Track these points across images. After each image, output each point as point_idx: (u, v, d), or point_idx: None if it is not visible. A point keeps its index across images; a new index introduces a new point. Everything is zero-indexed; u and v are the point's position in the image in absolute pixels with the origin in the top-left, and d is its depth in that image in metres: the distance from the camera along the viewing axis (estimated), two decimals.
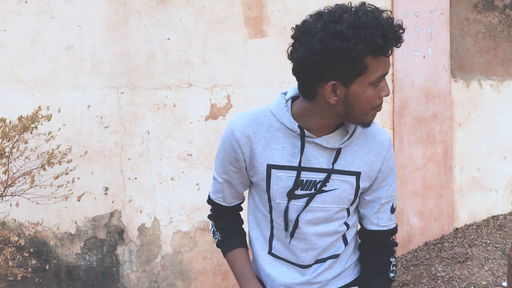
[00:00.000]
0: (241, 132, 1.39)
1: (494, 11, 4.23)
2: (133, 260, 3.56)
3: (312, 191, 1.38)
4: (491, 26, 4.25)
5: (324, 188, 1.38)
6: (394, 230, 1.52)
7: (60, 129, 3.21)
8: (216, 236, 1.57)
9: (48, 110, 2.91)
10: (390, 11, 1.33)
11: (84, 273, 3.49)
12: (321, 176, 1.38)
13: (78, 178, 3.26)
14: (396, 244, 1.55)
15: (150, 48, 3.50)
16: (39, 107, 2.76)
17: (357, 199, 1.45)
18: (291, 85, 3.70)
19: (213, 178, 1.54)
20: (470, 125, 4.25)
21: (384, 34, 1.20)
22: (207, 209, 1.67)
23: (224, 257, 1.56)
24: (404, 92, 3.99)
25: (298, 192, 1.38)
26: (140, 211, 3.55)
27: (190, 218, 3.60)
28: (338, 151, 1.38)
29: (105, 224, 3.50)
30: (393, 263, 1.51)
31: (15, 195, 2.69)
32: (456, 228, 4.20)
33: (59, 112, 3.09)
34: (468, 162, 4.26)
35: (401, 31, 1.24)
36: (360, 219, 1.52)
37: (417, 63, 3.99)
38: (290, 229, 1.43)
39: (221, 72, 3.61)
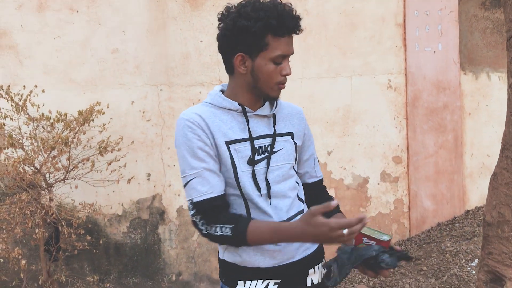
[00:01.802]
0: (197, 117, 1.52)
1: (501, 7, 4.54)
2: (172, 238, 3.99)
3: (266, 154, 1.58)
4: (499, 22, 4.56)
5: (274, 150, 1.59)
6: (323, 178, 1.85)
7: (109, 122, 3.67)
8: (226, 230, 1.47)
9: (99, 106, 3.37)
10: (291, 4, 1.51)
11: (129, 249, 3.95)
12: (268, 141, 1.59)
13: (125, 165, 3.73)
14: (325, 187, 1.86)
15: (185, 49, 3.92)
16: (97, 102, 3.21)
17: (297, 158, 1.71)
18: (312, 80, 4.11)
19: (190, 179, 1.50)
20: (479, 115, 4.57)
21: (279, 17, 1.45)
22: None
23: (245, 238, 1.46)
24: (416, 85, 4.33)
25: (257, 157, 1.56)
26: (179, 195, 3.98)
27: None
28: (274, 118, 1.63)
29: (148, 206, 3.95)
30: (331, 196, 1.82)
31: (75, 179, 3.14)
32: (467, 210, 4.52)
33: (107, 107, 3.56)
34: (478, 149, 4.58)
35: (298, 20, 1.49)
36: (301, 177, 1.77)
37: (428, 58, 4.33)
38: (265, 191, 1.56)
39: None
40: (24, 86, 3.36)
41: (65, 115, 3.04)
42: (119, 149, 3.28)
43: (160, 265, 4.00)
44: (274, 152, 1.59)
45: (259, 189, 1.55)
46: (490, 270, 1.66)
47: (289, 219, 1.59)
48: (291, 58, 1.58)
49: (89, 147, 3.41)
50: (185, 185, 1.51)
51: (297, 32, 1.50)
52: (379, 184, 4.32)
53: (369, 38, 4.21)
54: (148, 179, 3.93)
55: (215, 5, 3.93)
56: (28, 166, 2.99)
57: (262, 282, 1.57)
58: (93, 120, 3.12)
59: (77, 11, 3.77)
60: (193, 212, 1.50)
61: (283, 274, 1.58)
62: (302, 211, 1.66)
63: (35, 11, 3.73)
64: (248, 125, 1.56)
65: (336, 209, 1.72)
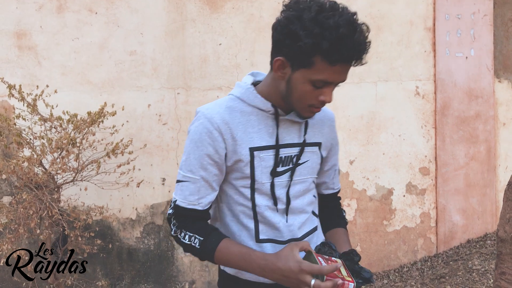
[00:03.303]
0: (220, 119, 1.35)
1: None
2: None
3: (290, 165, 1.42)
4: None
5: (299, 161, 1.43)
6: (339, 189, 1.70)
7: (123, 124, 3.62)
8: (194, 240, 1.36)
9: (113, 107, 3.32)
10: (366, 31, 1.26)
11: (142, 255, 3.88)
12: (295, 151, 1.43)
13: (139, 169, 3.67)
14: (340, 199, 1.72)
15: (204, 52, 3.85)
16: (105, 103, 3.17)
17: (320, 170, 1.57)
18: None
19: (183, 180, 1.39)
20: None
21: (335, 41, 1.20)
22: None
23: (213, 254, 1.34)
24: (446, 92, 4.10)
25: (280, 169, 1.41)
26: None
27: None
28: (306, 125, 1.45)
29: (162, 211, 3.87)
30: (343, 210, 1.69)
31: (84, 180, 3.09)
32: None
33: (123, 110, 3.51)
34: None
35: (361, 51, 1.24)
36: (317, 187, 1.62)
37: (459, 64, 4.10)
38: (284, 206, 1.43)
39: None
40: (37, 86, 3.35)
41: (75, 115, 3.00)
42: (130, 152, 3.22)
43: (173, 273, 3.90)
44: (299, 164, 1.44)
45: (275, 204, 1.42)
46: None
47: (302, 237, 1.47)
48: None
49: (103, 149, 3.36)
50: (177, 181, 1.41)
51: (355, 64, 1.28)
52: (404, 196, 4.10)
53: (396, 42, 4.02)
54: (163, 184, 3.85)
55: (235, 7, 3.84)
56: (37, 167, 2.96)
57: None
58: (102, 121, 3.07)
59: (96, 13, 3.75)
60: (171, 211, 1.41)
61: None
62: (315, 228, 1.54)
63: (54, 12, 3.73)
64: (277, 130, 1.40)
65: (340, 224, 1.61)
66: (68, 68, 3.76)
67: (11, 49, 3.73)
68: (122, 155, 3.23)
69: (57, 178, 3.11)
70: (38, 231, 2.80)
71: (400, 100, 4.04)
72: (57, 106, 3.25)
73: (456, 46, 4.09)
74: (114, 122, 3.43)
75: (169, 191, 3.86)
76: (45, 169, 2.96)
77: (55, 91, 3.32)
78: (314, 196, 1.54)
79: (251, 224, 1.42)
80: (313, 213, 1.54)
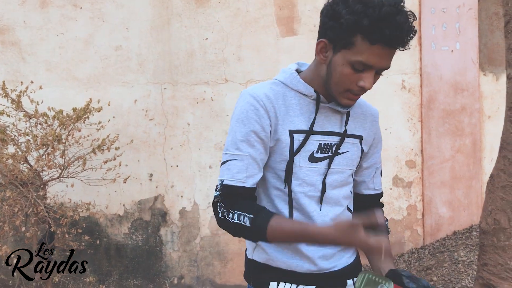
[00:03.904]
0: (265, 97, 1.37)
1: None
2: (174, 240, 3.89)
3: (330, 153, 1.41)
4: None
5: (339, 151, 1.42)
6: (382, 194, 1.66)
7: (109, 120, 3.60)
8: (244, 218, 1.33)
9: (99, 103, 3.30)
10: (414, 16, 1.26)
11: (131, 251, 3.87)
12: (335, 139, 1.41)
13: (126, 165, 3.65)
14: (383, 205, 1.68)
15: (190, 47, 3.83)
16: (90, 99, 3.15)
17: (358, 164, 1.53)
18: None
19: (230, 159, 1.37)
20: (500, 118, 4.32)
21: (377, 20, 1.19)
22: None
23: (265, 231, 1.31)
24: (432, 86, 4.13)
25: (318, 155, 1.40)
26: (181, 196, 3.88)
27: None
28: (347, 115, 1.44)
29: (149, 207, 3.86)
30: (385, 218, 1.63)
31: (70, 177, 3.07)
32: None
33: (109, 105, 3.49)
34: None
35: (404, 32, 1.22)
36: (356, 186, 1.58)
37: (445, 57, 4.12)
38: (319, 193, 1.41)
39: (255, 68, 3.89)
40: (22, 82, 3.32)
41: (61, 112, 2.97)
42: (117, 148, 3.20)
43: (162, 268, 3.90)
44: (339, 154, 1.42)
45: (311, 190, 1.40)
46: (485, 283, 1.49)
47: None
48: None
49: (89, 145, 3.34)
50: (222, 163, 1.38)
51: (398, 47, 1.25)
52: (391, 189, 4.13)
53: None
54: (150, 180, 3.84)
55: (221, 1, 3.82)
56: (22, 163, 2.93)
57: (297, 287, 1.43)
58: (88, 117, 3.04)
59: (81, 8, 3.72)
60: (217, 193, 1.37)
61: (320, 282, 1.43)
62: None
63: (38, 7, 3.69)
64: (315, 116, 1.38)
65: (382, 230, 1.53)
66: (53, 63, 3.72)
67: None
68: (109, 151, 3.21)
69: (43, 175, 3.08)
70: (23, 229, 2.77)
71: (387, 94, 4.06)
72: (42, 102, 3.22)
73: (442, 39, 4.12)
74: (100, 118, 3.41)
75: (156, 187, 3.85)
76: (31, 166, 2.93)
77: (40, 87, 3.29)
78: (351, 191, 1.52)
79: (285, 210, 1.40)
80: (348, 208, 1.51)
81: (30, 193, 2.77)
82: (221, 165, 1.39)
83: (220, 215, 1.35)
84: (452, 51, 4.14)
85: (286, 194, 1.40)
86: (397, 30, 1.20)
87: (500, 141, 1.46)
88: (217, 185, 1.38)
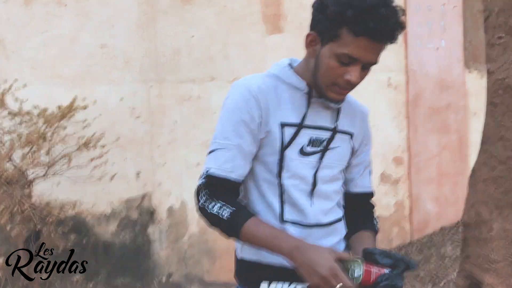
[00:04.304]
0: (257, 88, 1.35)
1: None
2: (162, 239, 3.88)
3: (321, 148, 1.41)
4: None
5: (330, 146, 1.41)
6: (373, 194, 1.62)
7: (95, 118, 3.57)
8: (224, 211, 1.30)
9: (84, 101, 3.28)
10: (403, 11, 1.25)
11: (118, 250, 3.85)
12: (327, 134, 1.41)
13: (113, 163, 3.63)
14: (374, 206, 1.64)
15: (176, 45, 3.82)
16: (75, 96, 3.12)
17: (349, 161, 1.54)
18: None
19: (218, 148, 1.35)
20: None
21: (362, 12, 1.19)
22: None
23: (241, 229, 1.29)
24: (418, 83, 4.15)
25: (309, 149, 1.39)
26: (169, 194, 3.87)
27: None
28: (338, 112, 1.43)
29: (137, 205, 3.85)
30: (375, 218, 1.61)
31: (56, 175, 3.05)
32: None
33: (94, 103, 3.46)
34: None
35: (391, 25, 1.21)
36: (345, 184, 1.55)
37: (430, 55, 4.15)
38: (310, 187, 1.40)
39: (241, 66, 3.89)
40: (6, 81, 3.29)
41: (45, 110, 2.95)
42: (103, 146, 3.18)
43: (150, 266, 3.88)
44: (330, 149, 1.41)
45: (302, 184, 1.38)
46: (468, 275, 1.51)
47: (327, 224, 1.43)
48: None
49: (75, 143, 3.32)
50: (210, 152, 1.35)
51: (385, 41, 1.23)
52: (378, 186, 4.15)
53: None
54: (138, 178, 3.83)
55: None
56: (7, 162, 2.90)
57: (289, 285, 1.37)
58: (73, 115, 3.02)
59: (65, 5, 3.69)
60: (202, 181, 1.33)
61: None
62: (340, 220, 1.49)
63: (22, 4, 3.66)
64: (307, 110, 1.37)
65: (369, 227, 1.53)
66: (38, 61, 3.69)
67: None
68: (95, 148, 3.19)
69: (28, 173, 3.06)
70: (8, 228, 2.75)
71: (373, 92, 4.07)
72: (27, 100, 3.19)
73: (427, 37, 4.14)
74: (86, 116, 3.39)
75: (144, 185, 3.84)
76: (15, 164, 2.91)
77: (24, 85, 3.26)
78: (342, 188, 1.51)
79: (276, 203, 1.38)
80: (338, 203, 1.50)
81: (15, 192, 2.75)
82: (208, 154, 1.36)
83: (200, 204, 1.33)
84: (437, 48, 4.17)
85: (277, 187, 1.38)
86: (381, 23, 1.18)
87: (482, 135, 1.48)
88: (202, 173, 1.34)
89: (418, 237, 4.19)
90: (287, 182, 1.37)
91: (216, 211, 1.30)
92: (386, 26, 1.20)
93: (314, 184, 1.40)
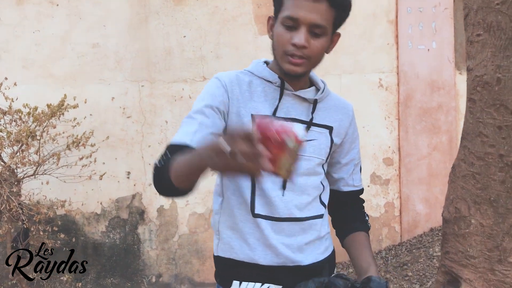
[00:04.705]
0: (228, 80, 1.39)
1: None
2: (152, 239, 3.88)
3: None
4: None
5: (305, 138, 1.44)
6: (363, 190, 1.63)
7: (86, 117, 3.58)
8: (162, 159, 1.23)
9: (75, 100, 3.28)
10: None
11: (108, 249, 3.85)
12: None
13: (103, 163, 3.63)
14: (363, 201, 1.65)
15: (168, 45, 3.83)
16: (65, 95, 3.13)
17: (328, 158, 1.52)
18: None
19: (181, 126, 1.34)
20: None
21: None
22: None
23: (170, 167, 1.18)
24: (409, 84, 4.17)
25: None
26: (159, 194, 3.86)
27: (205, 201, 3.90)
28: (315, 104, 1.44)
29: (127, 205, 3.85)
30: (366, 214, 1.62)
31: (45, 174, 3.05)
32: None
33: (85, 103, 3.46)
34: None
35: None
36: (335, 183, 1.57)
37: (421, 56, 4.18)
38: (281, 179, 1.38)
39: (233, 66, 3.89)
40: None
41: (35, 108, 2.95)
42: (93, 145, 3.19)
43: (140, 266, 3.88)
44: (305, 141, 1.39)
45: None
46: (447, 271, 1.52)
47: (303, 219, 1.41)
48: None
49: (65, 142, 3.32)
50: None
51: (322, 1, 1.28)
52: (369, 186, 4.16)
53: (359, 35, 4.07)
54: (128, 177, 3.83)
55: None
56: None
57: (261, 286, 1.38)
58: (63, 114, 3.03)
59: (57, 5, 3.70)
60: (163, 152, 1.26)
61: (286, 279, 1.38)
62: (321, 216, 1.46)
63: (14, 4, 3.66)
64: (278, 102, 1.39)
65: (360, 227, 1.53)
66: (29, 61, 3.69)
67: None
68: (84, 147, 3.19)
69: (17, 172, 3.06)
70: None
71: (364, 92, 4.09)
72: (17, 99, 3.19)
73: (418, 39, 4.17)
74: (76, 115, 3.39)
75: (134, 185, 3.84)
76: (4, 162, 2.91)
77: (15, 84, 3.26)
78: (322, 183, 1.48)
79: (248, 195, 1.38)
80: (321, 201, 1.48)
81: (3, 190, 2.75)
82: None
83: (154, 161, 1.27)
84: (428, 50, 4.19)
85: (249, 179, 1.38)
86: None
87: (462, 131, 1.49)
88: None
89: (408, 238, 4.21)
90: None
91: (158, 163, 1.24)
92: None
93: None
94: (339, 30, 1.41)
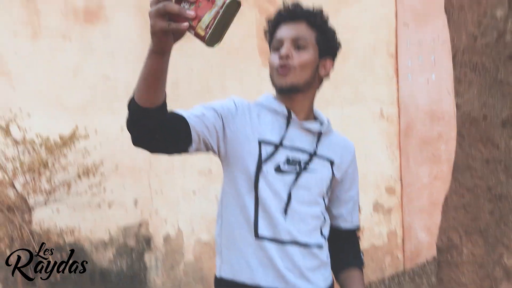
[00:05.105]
0: (241, 102, 1.48)
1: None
2: (158, 266, 3.95)
3: (297, 168, 1.46)
4: None
5: (307, 167, 1.47)
6: (359, 228, 1.70)
7: (96, 147, 3.70)
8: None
9: (86, 130, 3.41)
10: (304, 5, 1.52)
11: (115, 276, 3.91)
12: (305, 157, 1.47)
13: (112, 191, 3.73)
14: (359, 239, 1.71)
15: (175, 76, 3.96)
16: (76, 126, 3.25)
17: (329, 192, 1.58)
18: None
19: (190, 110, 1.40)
20: None
21: (275, 14, 1.51)
22: None
23: (134, 95, 1.27)
24: (409, 115, 4.28)
25: (284, 167, 1.45)
26: (166, 222, 3.96)
27: (210, 229, 3.97)
28: (319, 137, 1.51)
29: (134, 233, 3.93)
30: (361, 251, 1.68)
31: (56, 202, 3.15)
32: None
33: (96, 133, 3.59)
34: None
35: (292, 6, 1.49)
36: (333, 219, 1.61)
37: (421, 87, 4.29)
38: (283, 203, 1.43)
39: (239, 96, 4.01)
40: (11, 110, 3.42)
41: (48, 139, 3.07)
42: (102, 174, 3.29)
43: None
44: (307, 171, 1.47)
45: (276, 198, 1.42)
46: None
47: (305, 244, 1.45)
48: None
49: (75, 171, 3.43)
50: None
51: (292, 18, 1.48)
52: (371, 215, 4.23)
53: (360, 68, 4.20)
54: (135, 205, 3.92)
55: None
56: (9, 188, 3.01)
57: None
58: (74, 144, 3.14)
59: (70, 39, 3.86)
60: None
61: None
62: (320, 246, 1.50)
63: (29, 38, 3.83)
64: (285, 131, 1.47)
65: (355, 263, 1.60)
66: (42, 92, 3.84)
67: None
68: (94, 176, 3.30)
69: (29, 200, 3.16)
70: (8, 253, 2.84)
71: (365, 123, 4.20)
72: (30, 129, 3.32)
73: (418, 71, 4.29)
74: (87, 145, 3.51)
75: (141, 213, 3.93)
76: (17, 191, 3.01)
77: (28, 115, 3.39)
78: (323, 215, 1.53)
79: (251, 216, 1.42)
80: (321, 233, 1.52)
81: (16, 218, 2.84)
82: None
83: None
84: (428, 81, 4.31)
85: (253, 198, 1.43)
86: (284, 9, 1.49)
87: (453, 164, 1.59)
88: None
89: (411, 266, 4.25)
90: (263, 193, 1.42)
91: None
92: (286, 9, 1.48)
93: (288, 201, 1.43)
94: (337, 64, 1.56)
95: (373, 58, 4.22)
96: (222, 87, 4.01)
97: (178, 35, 1.12)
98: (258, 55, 4.04)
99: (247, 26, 4.01)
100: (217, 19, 1.03)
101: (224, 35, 1.10)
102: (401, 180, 4.28)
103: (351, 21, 4.18)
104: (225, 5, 1.03)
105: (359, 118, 4.18)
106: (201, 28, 1.04)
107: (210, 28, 1.04)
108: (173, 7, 1.03)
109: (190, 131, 1.34)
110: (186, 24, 1.03)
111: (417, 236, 4.29)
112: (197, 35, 1.06)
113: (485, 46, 1.40)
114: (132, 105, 1.25)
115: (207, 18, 1.03)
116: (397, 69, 4.26)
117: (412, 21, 4.28)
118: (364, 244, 4.20)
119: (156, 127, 1.27)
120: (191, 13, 1.03)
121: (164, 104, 1.28)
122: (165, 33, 1.08)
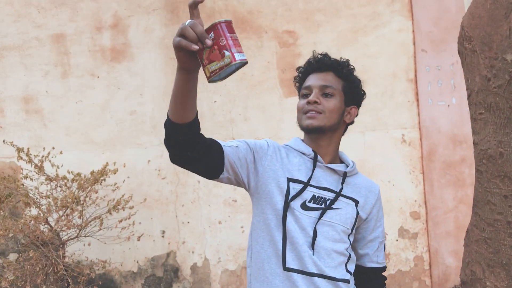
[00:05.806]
0: (272, 142, 1.61)
1: None
2: None
3: (322, 206, 1.54)
4: None
5: (332, 206, 1.55)
6: (385, 268, 1.76)
7: (124, 181, 3.81)
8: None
9: (114, 165, 3.54)
10: (331, 57, 1.67)
11: None
12: (330, 195, 1.56)
13: (140, 223, 3.84)
14: (385, 278, 1.77)
15: (199, 109, 4.05)
16: (107, 162, 3.38)
17: (354, 230, 1.62)
18: None
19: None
20: None
21: (304, 65, 1.68)
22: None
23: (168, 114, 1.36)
24: (431, 139, 4.31)
25: (310, 204, 1.53)
26: (193, 252, 4.03)
27: (236, 258, 4.04)
28: (344, 177, 1.60)
29: (162, 263, 4.01)
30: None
31: (87, 236, 3.26)
32: None
33: (124, 167, 3.72)
34: None
35: (323, 59, 1.64)
36: (360, 259, 1.69)
37: (442, 112, 4.32)
38: (310, 239, 1.51)
39: (261, 127, 4.12)
40: (44, 148, 3.57)
41: (79, 174, 3.20)
42: (131, 207, 3.40)
43: None
44: (332, 208, 1.55)
45: (302, 233, 1.51)
46: None
47: (332, 278, 1.52)
48: None
49: (105, 205, 3.55)
50: None
51: (320, 69, 1.62)
52: (397, 240, 4.24)
53: (380, 94, 4.27)
54: (163, 236, 4.01)
55: None
56: (43, 224, 3.13)
57: None
58: (104, 179, 3.26)
59: (98, 77, 4.02)
60: None
61: None
62: (347, 282, 1.56)
63: (59, 77, 4.01)
64: (312, 172, 1.56)
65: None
66: (72, 129, 4.00)
67: (19, 113, 3.99)
68: (123, 210, 3.40)
69: (62, 235, 3.28)
70: (44, 287, 2.94)
71: (388, 148, 4.24)
72: (62, 165, 3.46)
73: (438, 95, 4.33)
74: (115, 179, 3.63)
75: (168, 243, 4.01)
76: (51, 226, 3.13)
77: (60, 152, 3.53)
78: (348, 252, 1.59)
79: (280, 249, 1.49)
80: (346, 269, 1.58)
81: (50, 253, 2.96)
82: None
83: None
84: (448, 105, 4.34)
85: (281, 232, 1.50)
86: (312, 60, 1.65)
87: (473, 199, 1.63)
88: None
89: None
90: (290, 228, 1.50)
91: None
92: (322, 60, 1.63)
93: (314, 237, 1.51)
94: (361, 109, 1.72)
95: (393, 84, 4.28)
96: (244, 118, 4.11)
97: (191, 56, 1.22)
98: (279, 86, 4.14)
99: (268, 58, 4.13)
100: (221, 71, 1.20)
101: (226, 78, 1.26)
102: (425, 204, 4.28)
103: (370, 49, 4.26)
104: (229, 65, 1.18)
105: (382, 144, 4.22)
106: (208, 70, 1.21)
107: (214, 75, 1.22)
108: (208, 41, 1.17)
109: (224, 158, 1.43)
110: (195, 46, 1.16)
111: (444, 261, 4.27)
112: (204, 72, 1.23)
113: (498, 87, 1.45)
114: (166, 120, 1.35)
115: (214, 65, 1.20)
116: (417, 94, 4.31)
117: (429, 47, 4.34)
118: (390, 269, 4.20)
119: (189, 144, 1.34)
120: (209, 43, 1.17)
121: (194, 121, 1.35)
122: (179, 48, 1.19)
